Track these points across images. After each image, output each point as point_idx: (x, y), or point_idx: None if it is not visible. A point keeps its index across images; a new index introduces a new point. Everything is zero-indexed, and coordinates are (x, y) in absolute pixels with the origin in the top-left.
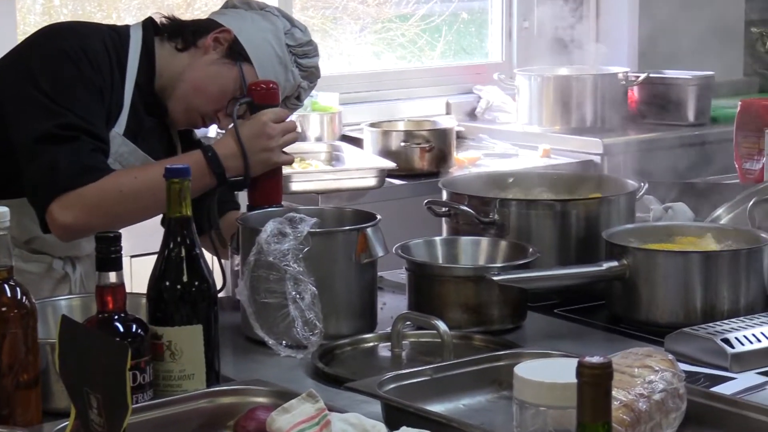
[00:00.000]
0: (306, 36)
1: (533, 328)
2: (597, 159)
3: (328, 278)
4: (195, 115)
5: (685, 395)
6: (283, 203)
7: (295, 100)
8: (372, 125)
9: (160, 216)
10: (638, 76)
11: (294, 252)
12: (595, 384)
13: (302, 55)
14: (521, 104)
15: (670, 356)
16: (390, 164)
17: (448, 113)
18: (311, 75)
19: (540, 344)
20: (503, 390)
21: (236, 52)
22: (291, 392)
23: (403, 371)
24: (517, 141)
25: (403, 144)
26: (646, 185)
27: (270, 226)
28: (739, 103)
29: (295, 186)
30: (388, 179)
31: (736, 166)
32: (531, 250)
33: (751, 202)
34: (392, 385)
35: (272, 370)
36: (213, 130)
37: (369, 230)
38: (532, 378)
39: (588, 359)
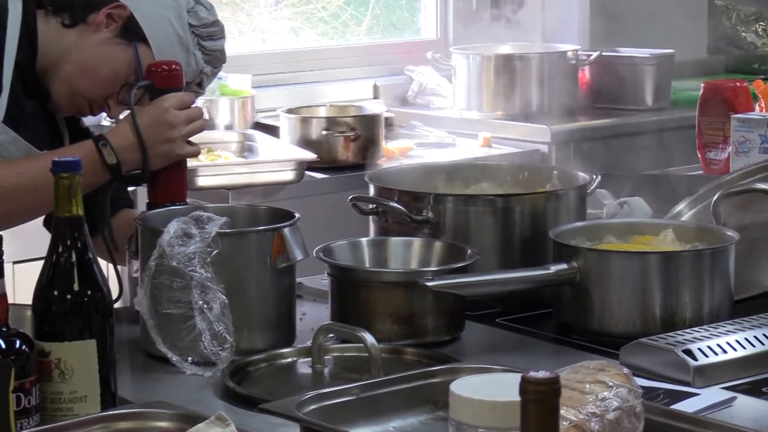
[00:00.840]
0: (212, 15)
1: (472, 340)
2: (544, 148)
3: (239, 285)
4: (81, 100)
5: (643, 413)
6: (188, 200)
7: (196, 86)
8: (289, 111)
9: (43, 216)
10: (590, 55)
11: (201, 256)
12: (540, 402)
13: (206, 36)
14: (458, 87)
15: (626, 370)
16: (310, 155)
17: (375, 97)
18: (215, 59)
19: (480, 358)
20: (438, 410)
21: (131, 31)
22: (198, 415)
23: (326, 390)
24: (454, 128)
25: (324, 133)
26: (599, 178)
27: (173, 227)
28: (702, 85)
29: (202, 181)
30: (307, 173)
31: (699, 155)
32: (469, 251)
33: (715, 197)
34: (313, 406)
35: (176, 391)
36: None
37: (286, 230)
38: (471, 396)
39: (533, 374)
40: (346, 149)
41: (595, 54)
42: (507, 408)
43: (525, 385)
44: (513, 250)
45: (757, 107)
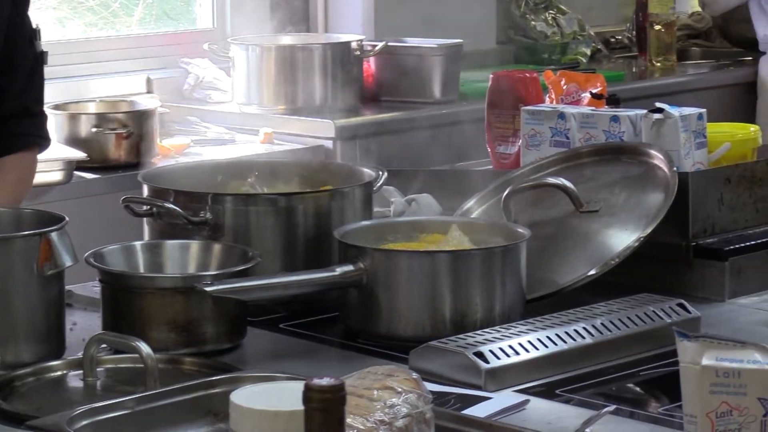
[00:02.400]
0: None
1: (254, 347)
2: (328, 144)
3: (3, 295)
4: None
5: (433, 420)
6: None
7: None
8: (56, 107)
9: None
10: (375, 46)
11: None
12: (324, 410)
13: None
14: (238, 80)
15: (415, 375)
16: (79, 154)
17: (149, 92)
18: None
19: (263, 366)
20: (219, 422)
21: None
22: None
23: (99, 404)
24: (233, 124)
25: (94, 130)
26: (386, 174)
27: None
28: (491, 76)
29: None
30: (76, 173)
31: (489, 150)
32: (251, 254)
33: (505, 192)
34: (85, 421)
35: None
36: None
37: (53, 235)
38: (252, 406)
39: (317, 381)
40: (117, 147)
41: (380, 44)
42: (290, 418)
43: (308, 394)
44: (297, 251)
45: (547, 99)
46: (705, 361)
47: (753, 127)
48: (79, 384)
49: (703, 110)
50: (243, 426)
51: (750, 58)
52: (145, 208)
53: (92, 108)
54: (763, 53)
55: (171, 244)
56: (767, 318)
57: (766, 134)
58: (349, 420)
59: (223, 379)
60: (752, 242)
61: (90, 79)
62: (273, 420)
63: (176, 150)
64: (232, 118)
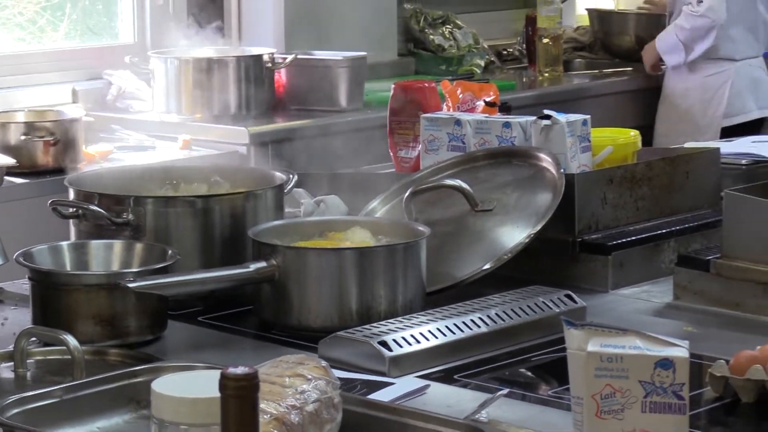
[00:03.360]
0: None
1: (175, 339)
2: (243, 150)
3: None
4: None
5: (341, 404)
6: None
7: None
8: None
9: None
10: (285, 58)
11: None
12: (239, 397)
13: None
14: (157, 90)
15: (324, 363)
16: (9, 161)
17: (74, 102)
18: None
19: (182, 356)
20: (142, 408)
21: None
22: None
23: (29, 393)
24: (154, 131)
25: (23, 137)
26: (296, 177)
27: None
28: (393, 86)
29: None
30: (7, 178)
31: (392, 154)
32: (170, 252)
33: (406, 193)
34: (16, 410)
35: None
36: None
37: None
38: (171, 394)
39: (232, 370)
40: (45, 154)
41: (290, 57)
42: (208, 404)
43: (224, 382)
44: (214, 249)
45: (444, 107)
46: (590, 348)
47: (633, 132)
48: (10, 375)
49: (587, 116)
50: (164, 412)
51: (630, 69)
52: (71, 210)
53: (21, 117)
54: (662, 69)
55: (96, 243)
56: (647, 307)
57: (668, 138)
58: (262, 405)
59: (145, 368)
60: (633, 237)
61: (19, 90)
62: (192, 406)
63: (100, 156)
64: (153, 126)
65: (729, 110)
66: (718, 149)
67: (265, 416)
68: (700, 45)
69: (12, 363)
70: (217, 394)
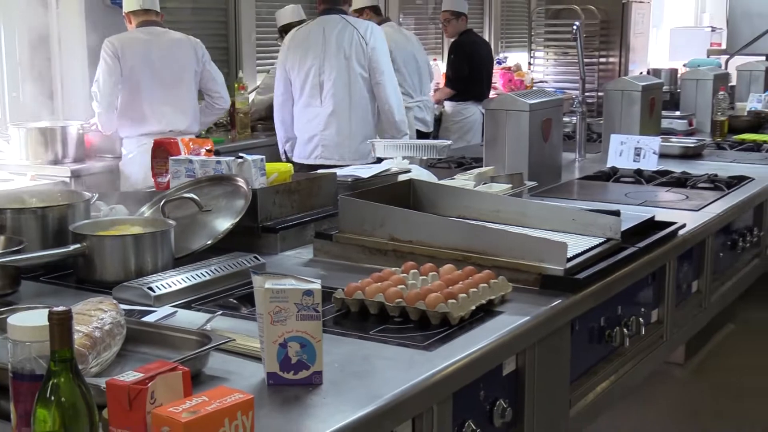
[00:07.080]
0: None
1: (27, 292)
2: (67, 179)
3: None
4: None
5: (125, 324)
6: None
7: None
8: None
9: None
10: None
11: None
12: (60, 324)
13: None
14: (14, 146)
15: (114, 301)
16: None
17: None
18: None
19: (30, 302)
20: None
21: None
22: None
23: None
24: (12, 170)
25: None
26: (96, 195)
27: None
28: (154, 140)
29: None
30: None
31: (153, 179)
32: (21, 241)
33: (162, 202)
34: None
35: None
36: None
37: None
38: (20, 324)
39: (55, 309)
40: None
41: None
42: (41, 330)
43: (51, 316)
44: (49, 238)
45: (183, 152)
46: (266, 285)
47: (288, 166)
48: None
49: (263, 156)
50: (15, 335)
51: None
52: None
53: None
54: None
55: None
56: (299, 262)
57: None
58: (77, 327)
59: (5, 309)
60: (291, 223)
61: None
62: (32, 331)
63: None
64: (12, 167)
65: None
66: (334, 173)
67: (79, 334)
68: None
69: None
70: (47, 323)
